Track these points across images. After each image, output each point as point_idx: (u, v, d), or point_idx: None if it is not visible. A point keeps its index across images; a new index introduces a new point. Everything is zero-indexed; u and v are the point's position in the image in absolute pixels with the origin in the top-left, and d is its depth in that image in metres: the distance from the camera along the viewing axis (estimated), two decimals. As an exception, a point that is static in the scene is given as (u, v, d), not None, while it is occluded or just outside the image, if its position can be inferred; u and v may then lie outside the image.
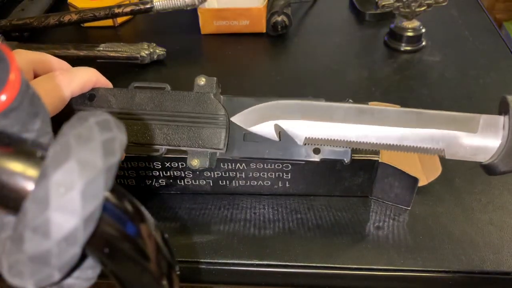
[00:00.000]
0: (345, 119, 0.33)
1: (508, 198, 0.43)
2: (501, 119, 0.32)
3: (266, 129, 0.35)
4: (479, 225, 0.41)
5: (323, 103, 0.35)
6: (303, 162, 0.39)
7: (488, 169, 0.33)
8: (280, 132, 0.36)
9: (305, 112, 0.34)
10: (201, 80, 0.39)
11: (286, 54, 0.67)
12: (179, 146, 0.37)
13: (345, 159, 0.38)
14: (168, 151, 0.39)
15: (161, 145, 0.38)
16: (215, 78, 0.39)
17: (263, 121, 0.35)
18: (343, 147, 0.36)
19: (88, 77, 0.37)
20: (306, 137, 0.34)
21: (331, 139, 0.34)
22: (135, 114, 0.38)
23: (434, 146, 0.33)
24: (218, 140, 0.37)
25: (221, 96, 0.39)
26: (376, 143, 0.33)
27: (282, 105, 0.35)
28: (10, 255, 0.16)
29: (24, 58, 0.36)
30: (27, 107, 0.18)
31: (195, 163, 0.38)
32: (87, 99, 0.39)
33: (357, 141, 0.34)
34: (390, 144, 0.33)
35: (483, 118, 0.32)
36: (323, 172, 0.41)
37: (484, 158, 0.33)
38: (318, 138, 0.34)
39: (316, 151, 0.38)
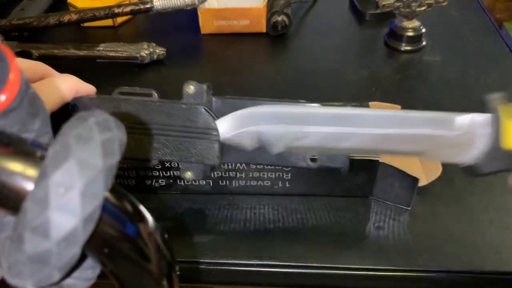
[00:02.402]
0: (322, 125, 0.32)
1: (508, 198, 0.43)
2: (484, 119, 0.31)
3: (243, 136, 0.34)
4: (479, 225, 0.41)
5: (301, 109, 0.34)
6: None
7: (471, 170, 0.32)
8: (259, 139, 0.35)
9: (283, 118, 0.33)
10: (190, 89, 0.36)
11: (286, 54, 0.67)
12: (171, 160, 0.36)
13: (342, 167, 0.37)
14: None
15: (152, 160, 0.36)
16: (204, 86, 0.36)
17: (240, 128, 0.34)
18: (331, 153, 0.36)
19: (69, 88, 0.34)
20: (283, 145, 0.34)
21: (308, 146, 0.33)
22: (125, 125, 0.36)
23: (415, 148, 0.32)
24: (211, 155, 0.36)
25: (213, 98, 0.37)
26: (355, 147, 0.32)
27: (260, 111, 0.34)
28: (10, 255, 0.16)
29: None
30: (26, 107, 0.18)
31: (188, 175, 0.37)
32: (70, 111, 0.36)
33: (334, 147, 0.33)
34: (369, 148, 0.32)
35: (465, 118, 0.31)
36: (323, 173, 0.41)
37: (467, 159, 0.32)
38: (296, 145, 0.33)
39: (313, 160, 0.38)
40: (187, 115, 0.36)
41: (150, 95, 0.37)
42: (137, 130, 0.36)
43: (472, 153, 0.31)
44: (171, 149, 0.36)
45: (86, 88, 0.36)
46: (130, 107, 0.36)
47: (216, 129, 0.35)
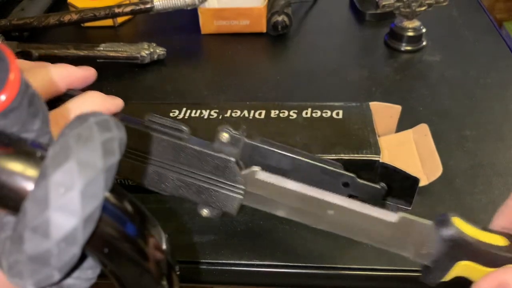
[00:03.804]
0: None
1: (508, 198, 0.43)
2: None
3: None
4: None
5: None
6: None
7: (429, 276, 0.32)
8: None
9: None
10: (224, 136, 0.34)
11: (286, 54, 0.67)
12: (191, 200, 0.36)
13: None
14: None
15: (172, 194, 0.36)
16: (239, 134, 0.35)
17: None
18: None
19: (61, 75, 0.33)
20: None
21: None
22: (150, 159, 0.36)
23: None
24: (231, 205, 0.35)
25: (245, 140, 0.36)
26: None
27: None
28: (10, 255, 0.16)
29: None
30: (26, 107, 0.18)
31: (204, 213, 0.37)
32: None
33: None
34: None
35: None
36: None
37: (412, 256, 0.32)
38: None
39: (346, 184, 0.38)
40: (216, 164, 0.35)
41: (181, 131, 0.36)
42: (163, 165, 0.36)
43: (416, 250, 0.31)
44: (194, 191, 0.36)
45: (81, 73, 0.35)
46: (161, 144, 0.35)
47: (243, 184, 0.35)
